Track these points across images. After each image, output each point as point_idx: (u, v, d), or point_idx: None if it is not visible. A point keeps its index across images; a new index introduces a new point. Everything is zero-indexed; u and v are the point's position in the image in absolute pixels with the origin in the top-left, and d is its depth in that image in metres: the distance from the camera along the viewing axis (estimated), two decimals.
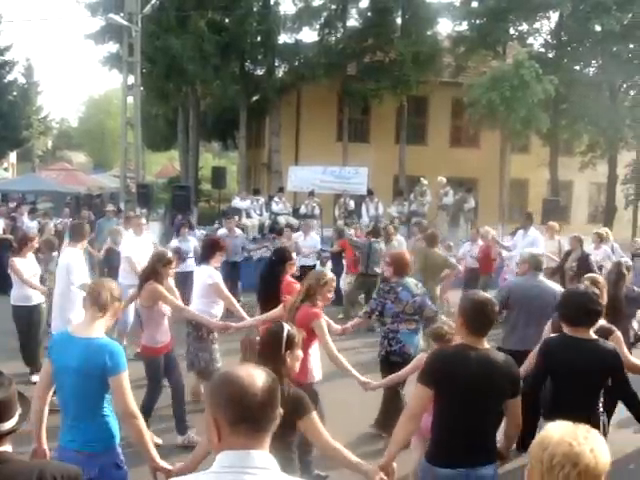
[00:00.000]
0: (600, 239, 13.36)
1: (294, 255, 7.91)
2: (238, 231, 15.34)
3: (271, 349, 3.84)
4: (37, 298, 8.99)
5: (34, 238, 9.32)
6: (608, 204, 29.63)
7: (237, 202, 21.18)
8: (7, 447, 2.65)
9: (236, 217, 19.49)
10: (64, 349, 3.97)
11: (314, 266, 14.08)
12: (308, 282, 5.95)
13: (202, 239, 12.17)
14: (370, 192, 21.59)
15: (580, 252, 11.99)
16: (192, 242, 13.37)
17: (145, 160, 29.84)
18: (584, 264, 11.27)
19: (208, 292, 7.67)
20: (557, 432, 2.19)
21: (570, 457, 2.10)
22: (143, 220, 10.77)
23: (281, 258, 7.46)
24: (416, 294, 6.91)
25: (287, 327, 3.94)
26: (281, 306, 6.35)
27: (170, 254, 7.29)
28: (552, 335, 5.01)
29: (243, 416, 2.15)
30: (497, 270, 14.51)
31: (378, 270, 12.39)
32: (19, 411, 2.69)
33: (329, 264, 15.21)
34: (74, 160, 59.04)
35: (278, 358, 3.76)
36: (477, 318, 3.93)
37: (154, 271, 6.78)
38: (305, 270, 11.04)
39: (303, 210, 20.52)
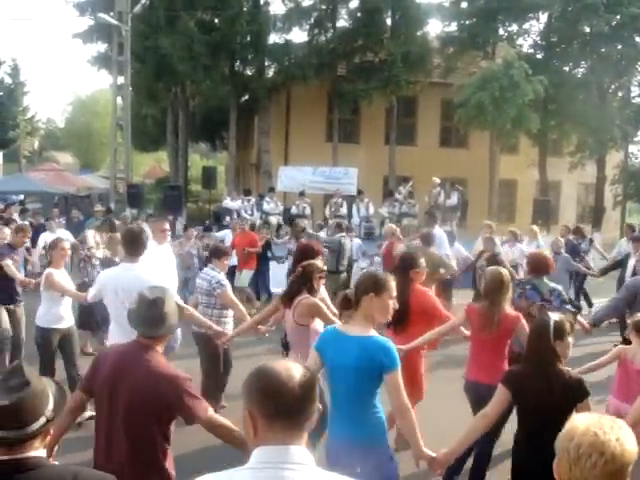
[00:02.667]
0: (515, 237, 13.73)
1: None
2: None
3: (540, 341, 4.20)
4: (69, 320, 7.86)
5: (65, 245, 8.00)
6: (596, 204, 29.80)
7: (228, 202, 21.16)
8: (40, 452, 2.57)
9: (227, 217, 19.52)
10: (337, 347, 4.07)
11: None
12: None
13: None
14: (360, 192, 21.61)
15: (492, 251, 12.30)
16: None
17: (133, 161, 29.72)
18: (492, 263, 11.41)
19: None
20: (583, 422, 2.22)
21: (596, 446, 2.13)
22: (167, 225, 8.76)
23: (408, 265, 6.85)
24: (546, 298, 6.71)
25: (554, 318, 4.23)
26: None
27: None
28: None
29: (278, 411, 2.15)
30: None
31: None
32: (49, 409, 2.63)
33: None
34: (61, 161, 58.66)
35: (548, 349, 4.14)
36: None
37: (309, 282, 6.00)
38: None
39: (294, 210, 20.51)
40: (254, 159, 31.19)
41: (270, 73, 29.06)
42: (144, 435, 3.63)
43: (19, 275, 9.22)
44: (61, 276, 7.71)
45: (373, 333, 4.05)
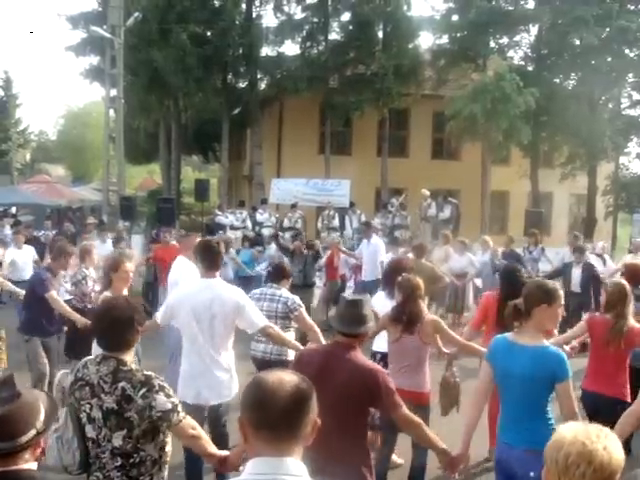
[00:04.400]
0: (464, 246, 14.08)
1: None
2: None
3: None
4: None
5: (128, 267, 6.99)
6: (588, 215, 29.88)
7: (220, 219, 21.13)
8: (31, 464, 2.58)
9: (220, 231, 19.51)
10: (510, 356, 4.18)
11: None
12: None
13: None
14: (352, 205, 21.64)
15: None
16: None
17: (125, 173, 29.69)
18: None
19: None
20: (570, 432, 2.25)
21: (584, 455, 2.16)
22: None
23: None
24: None
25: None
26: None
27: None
28: None
29: (262, 422, 2.17)
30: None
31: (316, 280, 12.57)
32: (40, 421, 2.63)
33: None
34: (53, 173, 58.44)
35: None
36: None
37: (416, 300, 5.84)
38: None
39: (286, 223, 20.50)
40: (247, 171, 31.19)
41: (262, 86, 29.13)
42: (354, 428, 3.98)
43: (69, 310, 7.98)
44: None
45: (546, 343, 4.21)
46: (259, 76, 28.90)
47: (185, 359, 5.62)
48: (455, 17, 27.76)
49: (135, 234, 21.33)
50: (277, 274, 7.36)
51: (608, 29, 25.79)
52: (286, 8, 28.32)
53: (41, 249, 14.94)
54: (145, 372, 3.48)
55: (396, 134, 30.24)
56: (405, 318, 5.76)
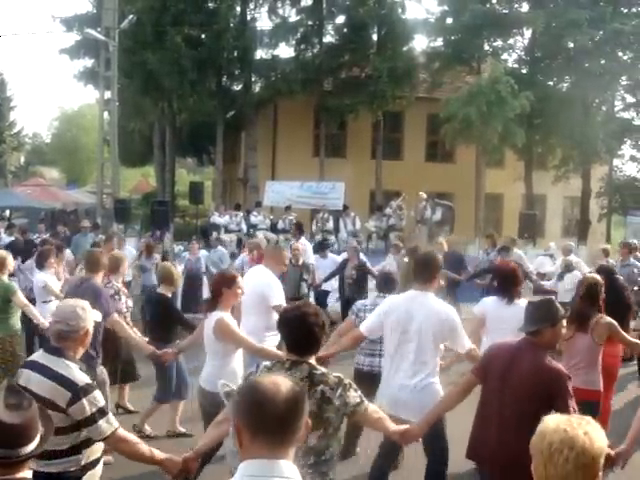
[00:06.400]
0: (397, 250, 14.25)
1: None
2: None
3: None
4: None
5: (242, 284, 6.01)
6: (582, 217, 29.97)
7: (216, 218, 21.17)
8: (27, 473, 2.56)
9: (214, 233, 19.50)
10: None
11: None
12: None
13: None
14: (345, 207, 21.62)
15: (357, 260, 12.95)
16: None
17: (120, 176, 29.66)
18: (361, 271, 12.66)
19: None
20: (553, 422, 2.32)
21: (566, 441, 2.22)
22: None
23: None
24: None
25: None
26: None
27: None
28: None
29: (262, 426, 2.18)
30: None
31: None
32: (41, 433, 2.62)
33: None
34: (47, 176, 58.39)
35: None
36: None
37: (597, 301, 6.07)
38: None
39: (281, 225, 20.51)
40: (241, 174, 31.18)
41: (257, 88, 29.14)
42: (533, 425, 3.92)
43: (138, 338, 6.97)
44: (234, 322, 5.82)
45: None
46: (253, 79, 28.95)
47: (385, 369, 5.47)
48: (449, 20, 27.84)
49: (129, 237, 21.29)
50: (389, 283, 7.15)
51: (602, 32, 25.91)
52: (280, 11, 28.44)
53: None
54: (332, 373, 3.63)
55: (390, 137, 30.30)
56: (578, 316, 5.94)
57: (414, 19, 28.54)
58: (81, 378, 3.56)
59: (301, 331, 3.62)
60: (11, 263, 7.94)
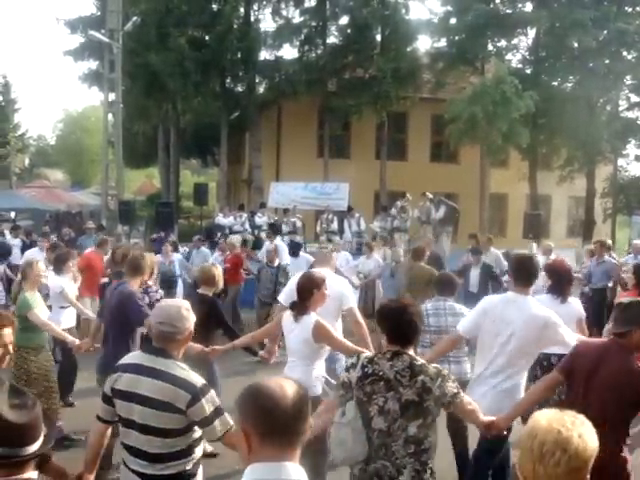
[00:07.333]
0: (370, 250, 14.28)
1: None
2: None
3: None
4: None
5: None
6: (587, 218, 29.88)
7: (220, 219, 21.17)
8: (32, 473, 2.55)
9: (219, 234, 19.51)
10: None
11: None
12: None
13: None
14: (350, 208, 21.58)
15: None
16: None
17: (124, 177, 29.71)
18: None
19: None
20: (545, 419, 2.25)
21: (559, 443, 2.16)
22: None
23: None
24: None
25: None
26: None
27: None
28: None
29: (273, 429, 2.16)
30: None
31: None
32: (44, 432, 2.61)
33: None
34: (52, 178, 58.48)
35: None
36: None
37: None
38: None
39: (284, 226, 20.48)
40: (245, 175, 31.21)
41: (261, 89, 29.19)
42: (619, 429, 4.05)
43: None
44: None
45: None
46: (257, 80, 28.98)
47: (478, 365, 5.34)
48: (453, 20, 27.79)
49: (134, 238, 21.31)
50: (450, 286, 6.84)
51: (606, 32, 25.88)
52: (284, 12, 28.48)
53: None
54: (432, 364, 3.79)
55: (395, 137, 30.28)
56: None
57: (418, 19, 28.60)
58: (197, 379, 3.50)
59: (402, 322, 3.78)
60: (39, 273, 7.16)
